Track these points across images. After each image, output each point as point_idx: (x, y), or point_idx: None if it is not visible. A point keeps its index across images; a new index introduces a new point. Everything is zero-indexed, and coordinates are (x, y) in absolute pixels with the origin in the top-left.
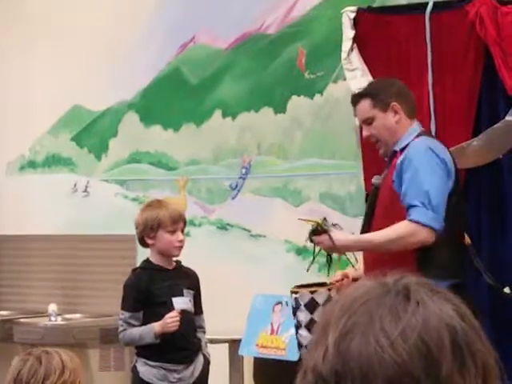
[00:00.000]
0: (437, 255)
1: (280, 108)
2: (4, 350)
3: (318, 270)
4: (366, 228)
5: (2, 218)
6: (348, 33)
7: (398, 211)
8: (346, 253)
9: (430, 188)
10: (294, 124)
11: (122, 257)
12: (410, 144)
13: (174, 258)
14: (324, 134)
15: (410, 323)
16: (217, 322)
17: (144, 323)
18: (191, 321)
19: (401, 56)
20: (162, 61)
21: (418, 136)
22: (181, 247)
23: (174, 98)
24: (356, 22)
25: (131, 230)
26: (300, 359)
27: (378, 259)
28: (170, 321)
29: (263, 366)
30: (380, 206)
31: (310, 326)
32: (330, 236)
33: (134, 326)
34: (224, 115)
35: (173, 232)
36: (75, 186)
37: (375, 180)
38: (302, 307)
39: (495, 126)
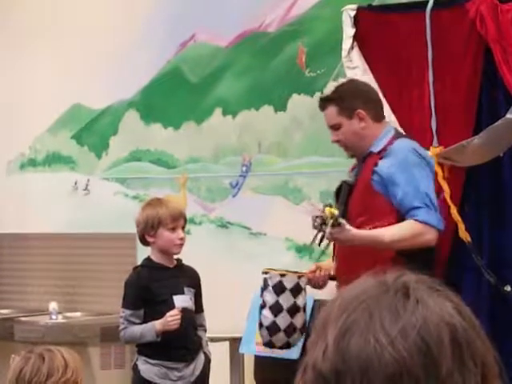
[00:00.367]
0: (412, 255)
1: (280, 106)
2: (4, 348)
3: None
4: None
5: (3, 216)
6: (348, 31)
7: (376, 208)
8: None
9: (427, 189)
10: (294, 122)
11: (122, 255)
12: (394, 146)
13: (175, 256)
14: (324, 132)
15: (409, 321)
16: (217, 321)
17: (145, 321)
18: (192, 319)
19: (401, 54)
20: (162, 59)
21: (396, 137)
22: (181, 245)
23: (174, 96)
24: (356, 20)
25: (132, 229)
26: (300, 358)
27: (349, 255)
28: (171, 319)
29: (264, 364)
30: (355, 203)
31: (273, 308)
32: (345, 229)
33: (134, 323)
34: (224, 113)
35: (173, 230)
36: (76, 184)
37: (348, 178)
38: (270, 288)
39: (496, 124)
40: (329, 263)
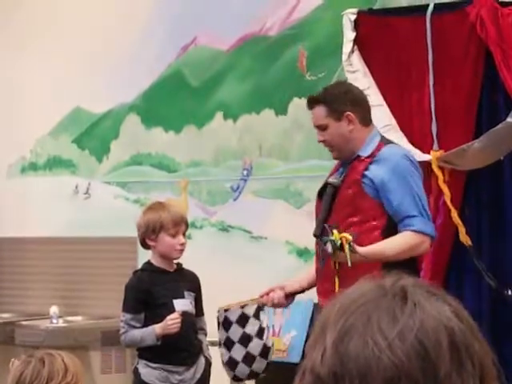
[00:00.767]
0: (396, 266)
1: (281, 110)
2: (5, 352)
3: None
4: (322, 226)
5: (4, 220)
6: (349, 35)
7: (368, 211)
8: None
9: (421, 197)
10: (295, 126)
11: (123, 259)
12: (384, 152)
13: (175, 261)
14: None
15: (407, 324)
16: None
17: (145, 325)
18: (192, 322)
19: (402, 57)
20: (163, 63)
21: (383, 143)
22: (182, 250)
23: (175, 99)
24: (357, 24)
25: (133, 232)
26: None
27: (327, 273)
28: (171, 322)
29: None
30: (340, 205)
31: (226, 344)
32: (357, 252)
33: (135, 327)
34: (225, 117)
35: (174, 235)
36: (76, 188)
37: (333, 179)
38: (221, 325)
39: (496, 127)
40: (290, 283)
